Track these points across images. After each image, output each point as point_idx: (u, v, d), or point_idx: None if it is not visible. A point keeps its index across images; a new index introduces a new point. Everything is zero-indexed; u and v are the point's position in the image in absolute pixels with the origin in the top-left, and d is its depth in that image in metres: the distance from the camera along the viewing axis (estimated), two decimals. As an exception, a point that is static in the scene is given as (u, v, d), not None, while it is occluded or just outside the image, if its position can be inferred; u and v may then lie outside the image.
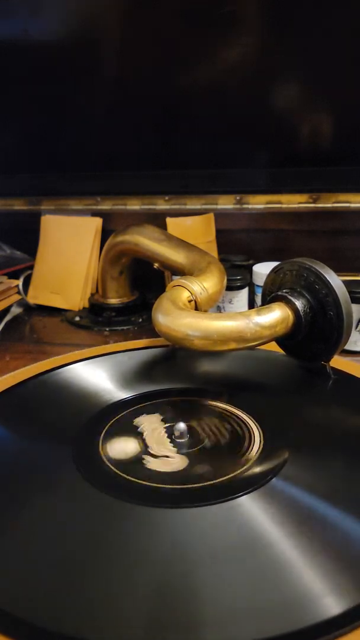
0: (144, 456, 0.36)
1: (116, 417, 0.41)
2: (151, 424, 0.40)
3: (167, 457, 0.36)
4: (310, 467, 0.34)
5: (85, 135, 0.78)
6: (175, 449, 0.37)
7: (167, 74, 0.70)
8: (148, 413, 0.41)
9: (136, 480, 0.33)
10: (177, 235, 0.61)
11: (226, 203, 0.76)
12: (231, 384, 0.46)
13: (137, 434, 0.38)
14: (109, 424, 0.40)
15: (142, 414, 0.41)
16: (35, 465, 0.35)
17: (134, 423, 0.40)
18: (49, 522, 0.30)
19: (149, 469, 0.34)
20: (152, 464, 0.35)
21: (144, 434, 0.38)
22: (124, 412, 0.41)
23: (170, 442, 0.37)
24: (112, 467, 0.34)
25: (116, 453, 0.36)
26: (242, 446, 0.36)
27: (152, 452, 0.36)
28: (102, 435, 0.38)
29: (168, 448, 0.37)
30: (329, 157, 0.72)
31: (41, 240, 0.77)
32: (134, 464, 0.35)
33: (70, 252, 0.74)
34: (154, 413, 0.41)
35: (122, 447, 0.37)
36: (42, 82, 0.74)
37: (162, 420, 0.40)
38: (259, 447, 0.36)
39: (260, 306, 0.44)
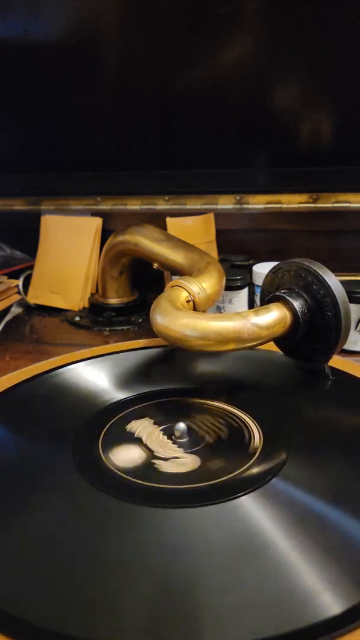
0: (154, 461, 0.35)
1: (116, 418, 0.41)
2: (146, 428, 0.39)
3: (177, 458, 0.36)
4: (310, 467, 0.34)
5: (86, 135, 0.78)
6: (180, 449, 0.36)
7: (167, 74, 0.70)
8: (136, 418, 0.41)
9: (136, 480, 0.33)
10: (177, 235, 0.61)
11: (226, 203, 0.76)
12: (230, 384, 0.46)
13: (136, 440, 0.38)
14: (109, 424, 0.40)
15: (131, 419, 0.40)
16: (35, 466, 0.35)
17: (128, 430, 0.39)
18: (49, 522, 0.30)
19: (163, 472, 0.34)
20: (164, 467, 0.35)
21: (143, 439, 0.38)
22: (124, 413, 0.42)
23: (173, 443, 0.37)
24: (112, 468, 0.34)
25: (123, 462, 0.35)
26: (243, 445, 0.36)
27: (159, 455, 0.36)
28: (102, 435, 0.38)
29: (173, 449, 0.37)
30: (329, 157, 0.72)
31: (41, 240, 0.77)
32: (145, 470, 0.34)
33: (70, 252, 0.74)
34: (142, 417, 0.41)
35: (126, 455, 0.36)
36: (42, 82, 0.74)
37: (154, 423, 0.40)
38: (258, 447, 0.36)
39: (258, 306, 0.44)
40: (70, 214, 0.79)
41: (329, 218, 0.73)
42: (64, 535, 0.29)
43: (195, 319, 0.41)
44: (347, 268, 0.66)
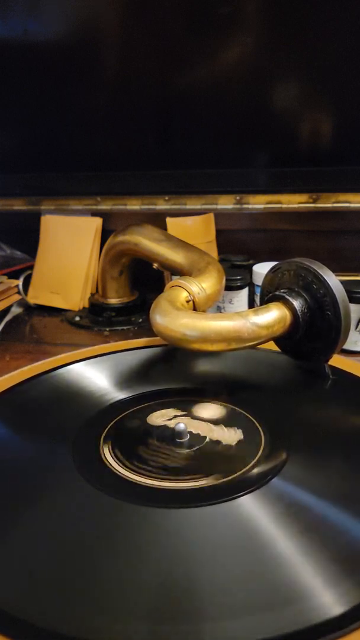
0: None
1: (116, 418, 0.41)
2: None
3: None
4: (310, 467, 0.34)
5: (86, 135, 0.78)
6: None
7: (167, 74, 0.70)
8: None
9: (136, 480, 0.33)
10: (177, 235, 0.61)
11: (226, 203, 0.76)
12: (230, 383, 0.46)
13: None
14: (109, 424, 0.40)
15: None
16: (35, 466, 0.35)
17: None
18: (49, 522, 0.30)
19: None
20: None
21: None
22: (124, 413, 0.42)
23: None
24: (112, 467, 0.34)
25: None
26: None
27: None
28: (102, 435, 0.38)
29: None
30: (329, 157, 0.72)
31: (41, 240, 0.77)
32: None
33: (70, 252, 0.74)
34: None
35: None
36: (42, 82, 0.74)
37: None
38: (259, 447, 0.36)
39: (258, 306, 0.44)
40: (70, 214, 0.79)
41: (329, 218, 0.73)
42: (64, 535, 0.29)
43: (195, 318, 0.41)
44: (347, 268, 0.66)
